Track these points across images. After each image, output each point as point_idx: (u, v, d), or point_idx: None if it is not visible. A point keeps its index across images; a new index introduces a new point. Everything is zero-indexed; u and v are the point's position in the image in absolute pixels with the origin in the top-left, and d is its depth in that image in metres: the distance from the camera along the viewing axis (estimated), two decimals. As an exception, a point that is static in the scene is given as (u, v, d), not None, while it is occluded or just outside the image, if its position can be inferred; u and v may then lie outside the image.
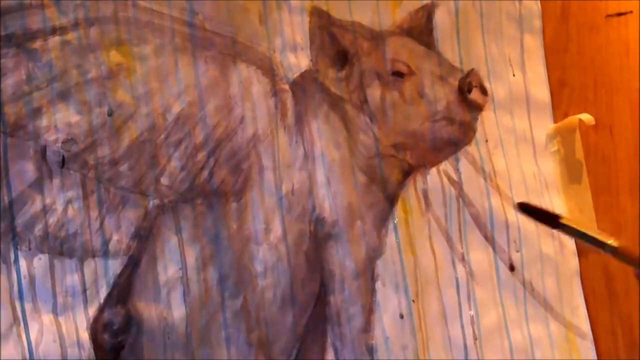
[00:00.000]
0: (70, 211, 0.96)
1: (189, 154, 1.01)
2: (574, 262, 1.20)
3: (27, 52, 0.95)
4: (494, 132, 1.19)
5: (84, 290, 0.96)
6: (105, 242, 0.97)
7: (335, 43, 1.11)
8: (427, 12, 1.17)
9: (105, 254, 0.97)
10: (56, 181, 0.96)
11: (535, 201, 1.19)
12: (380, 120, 1.11)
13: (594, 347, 1.19)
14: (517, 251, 1.16)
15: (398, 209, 1.11)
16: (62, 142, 0.96)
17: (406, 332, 1.09)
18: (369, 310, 1.08)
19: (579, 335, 1.18)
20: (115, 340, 0.98)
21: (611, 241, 0.89)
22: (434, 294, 1.12)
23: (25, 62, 0.95)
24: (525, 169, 1.20)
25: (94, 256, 0.97)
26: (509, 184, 1.18)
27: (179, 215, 1.01)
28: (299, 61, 1.09)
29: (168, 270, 1.00)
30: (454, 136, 1.14)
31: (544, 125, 1.23)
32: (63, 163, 0.96)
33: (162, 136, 1.00)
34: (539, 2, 1.25)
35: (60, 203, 0.96)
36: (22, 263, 0.94)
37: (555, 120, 1.24)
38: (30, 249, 0.94)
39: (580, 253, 1.20)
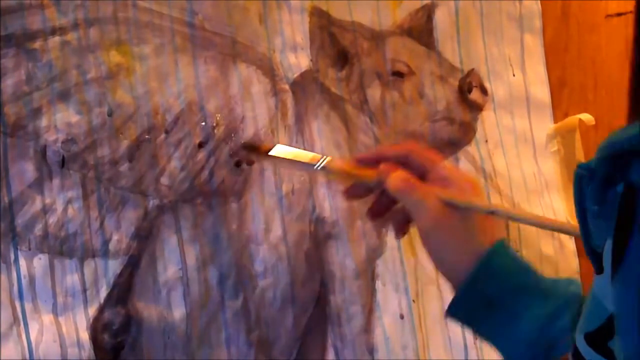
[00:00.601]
0: (70, 211, 0.96)
1: (189, 154, 1.01)
2: (574, 262, 1.20)
3: (27, 52, 0.95)
4: (494, 132, 1.19)
5: (84, 290, 0.96)
6: (105, 242, 0.97)
7: (335, 43, 1.11)
8: (427, 12, 1.17)
9: (105, 254, 0.97)
10: (56, 181, 0.95)
11: (536, 201, 1.19)
12: (380, 120, 1.11)
13: (594, 347, 1.18)
14: (517, 251, 1.16)
15: (398, 209, 1.11)
16: (62, 142, 0.96)
17: (406, 332, 1.09)
18: (369, 310, 1.08)
19: (579, 335, 1.18)
20: (115, 340, 0.97)
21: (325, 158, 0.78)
22: (435, 294, 1.11)
23: (25, 62, 0.95)
24: (525, 169, 1.20)
25: (94, 256, 0.97)
26: (509, 184, 1.18)
27: (178, 215, 1.01)
28: (299, 61, 1.09)
29: (168, 270, 1.00)
30: (454, 136, 1.14)
31: (544, 125, 1.23)
32: (63, 163, 0.96)
33: (162, 136, 1.00)
34: (539, 2, 1.25)
35: (60, 203, 0.95)
36: (22, 263, 0.93)
37: (555, 120, 1.24)
38: (30, 249, 0.94)
39: (580, 253, 1.20)
